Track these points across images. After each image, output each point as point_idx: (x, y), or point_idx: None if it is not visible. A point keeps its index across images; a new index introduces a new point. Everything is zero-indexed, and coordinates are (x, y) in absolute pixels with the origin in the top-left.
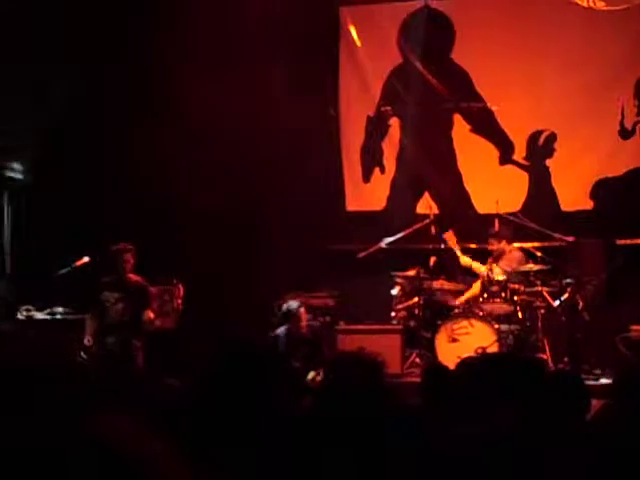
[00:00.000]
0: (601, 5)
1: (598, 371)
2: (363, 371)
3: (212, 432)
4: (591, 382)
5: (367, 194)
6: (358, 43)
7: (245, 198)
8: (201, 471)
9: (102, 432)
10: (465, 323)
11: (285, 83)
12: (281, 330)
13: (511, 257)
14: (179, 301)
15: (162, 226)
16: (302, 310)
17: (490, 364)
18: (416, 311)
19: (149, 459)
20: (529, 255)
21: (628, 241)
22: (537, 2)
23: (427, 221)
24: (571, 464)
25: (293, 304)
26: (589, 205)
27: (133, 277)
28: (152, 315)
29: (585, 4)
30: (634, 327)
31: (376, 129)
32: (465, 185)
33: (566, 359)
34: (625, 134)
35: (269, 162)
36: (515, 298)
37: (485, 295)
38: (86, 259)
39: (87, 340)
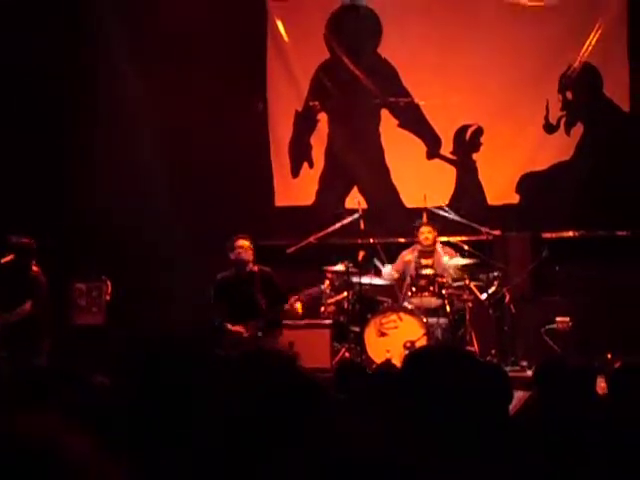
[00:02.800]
0: (525, 0)
1: (524, 363)
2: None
3: (142, 432)
4: (518, 374)
5: (296, 189)
6: (286, 38)
7: (175, 194)
8: (133, 472)
9: (26, 432)
10: (394, 317)
11: (213, 78)
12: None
13: (440, 255)
14: (107, 297)
15: (90, 222)
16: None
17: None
18: (345, 305)
19: (79, 460)
20: (457, 249)
21: (553, 234)
22: None
23: (356, 216)
24: (490, 456)
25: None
26: (515, 199)
27: (35, 270)
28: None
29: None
30: (559, 319)
31: (304, 124)
32: (393, 180)
33: (494, 352)
34: (550, 128)
35: (197, 158)
36: (443, 292)
37: (413, 289)
38: (12, 256)
39: None
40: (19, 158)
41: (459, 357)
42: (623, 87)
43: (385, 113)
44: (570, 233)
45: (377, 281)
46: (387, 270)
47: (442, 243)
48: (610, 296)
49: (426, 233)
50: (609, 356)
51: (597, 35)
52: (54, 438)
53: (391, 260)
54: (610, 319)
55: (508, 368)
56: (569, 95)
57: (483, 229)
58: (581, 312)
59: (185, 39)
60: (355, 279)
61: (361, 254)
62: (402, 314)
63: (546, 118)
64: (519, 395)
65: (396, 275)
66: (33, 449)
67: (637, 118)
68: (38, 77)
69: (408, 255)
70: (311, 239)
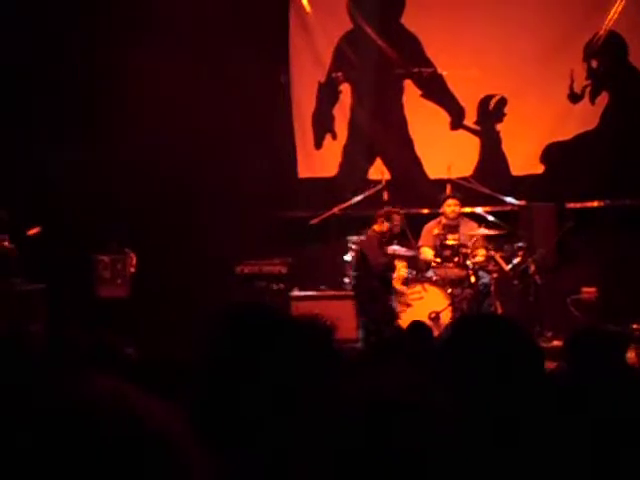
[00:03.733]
0: None
1: (550, 334)
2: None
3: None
4: (543, 344)
5: (319, 161)
6: (308, 9)
7: (198, 166)
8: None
9: (103, 394)
10: (419, 288)
11: (236, 50)
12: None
13: (467, 227)
14: (132, 269)
15: (114, 194)
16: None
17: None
18: None
19: (158, 423)
20: (481, 220)
21: (578, 204)
22: None
23: (379, 187)
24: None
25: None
26: (540, 169)
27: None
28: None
29: None
30: (585, 289)
31: (327, 95)
32: (417, 150)
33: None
34: (574, 98)
35: (221, 130)
36: (468, 262)
37: (438, 260)
38: (37, 229)
39: None
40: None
41: (508, 326)
42: None
43: (408, 83)
44: (595, 203)
45: (402, 252)
46: (427, 254)
47: (466, 215)
48: (635, 266)
49: (453, 206)
50: (635, 326)
51: (622, 2)
52: (132, 401)
53: (416, 231)
54: (635, 289)
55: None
56: (594, 64)
57: (508, 199)
58: (606, 282)
59: (206, 13)
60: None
61: (386, 225)
62: (427, 285)
63: (571, 87)
64: (546, 366)
65: (432, 252)
66: (112, 411)
67: None
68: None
69: (435, 229)
70: (335, 210)
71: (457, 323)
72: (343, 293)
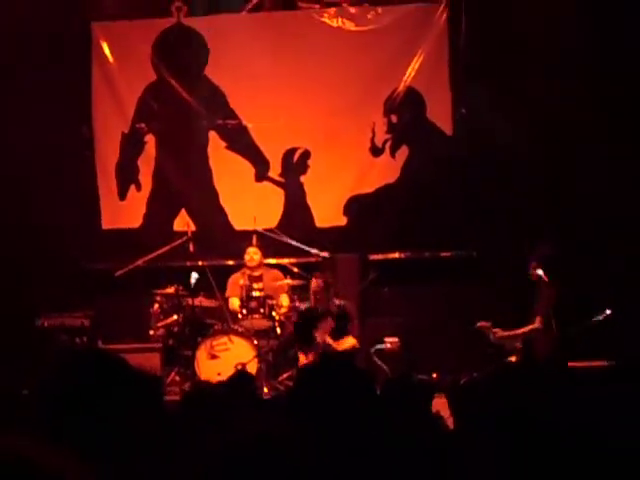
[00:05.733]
0: (350, 26)
1: None
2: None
3: None
4: None
5: (123, 212)
6: (111, 59)
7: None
8: None
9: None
10: (225, 339)
11: (34, 101)
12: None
13: (270, 276)
14: None
15: None
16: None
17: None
18: (175, 329)
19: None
20: (286, 271)
21: (380, 256)
22: (289, 22)
23: (185, 238)
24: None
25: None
26: (343, 221)
27: None
28: None
29: (335, 24)
30: (387, 339)
31: (131, 146)
32: (222, 202)
33: None
34: (376, 152)
35: (22, 182)
36: (273, 314)
37: (244, 311)
38: None
39: None
40: None
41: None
42: (445, 111)
43: (213, 135)
44: (396, 254)
45: (207, 304)
46: (234, 305)
47: (270, 265)
48: (435, 316)
49: (251, 254)
50: (434, 375)
51: (420, 60)
52: (28, 458)
53: (221, 282)
54: (435, 339)
55: None
56: (394, 118)
57: (312, 251)
58: (409, 332)
59: (7, 62)
60: (185, 302)
61: (194, 277)
62: (233, 336)
63: (372, 141)
64: None
65: (239, 302)
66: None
67: (459, 141)
68: None
69: (241, 279)
70: (139, 262)
71: (301, 374)
72: (148, 346)
